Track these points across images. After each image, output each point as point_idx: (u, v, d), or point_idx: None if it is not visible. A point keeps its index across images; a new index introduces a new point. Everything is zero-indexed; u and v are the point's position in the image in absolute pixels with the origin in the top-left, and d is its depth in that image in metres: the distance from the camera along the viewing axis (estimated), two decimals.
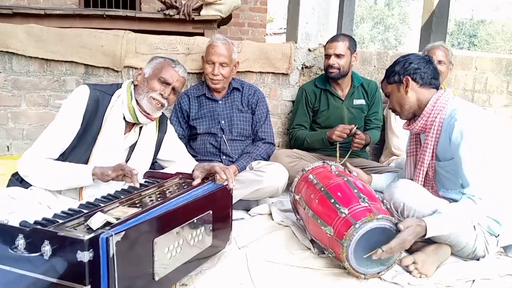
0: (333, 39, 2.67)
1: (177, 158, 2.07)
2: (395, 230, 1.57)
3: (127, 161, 1.84)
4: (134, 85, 1.85)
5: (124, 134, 1.84)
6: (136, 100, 1.79)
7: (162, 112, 1.95)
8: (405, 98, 1.86)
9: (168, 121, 2.07)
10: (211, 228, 1.52)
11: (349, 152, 2.42)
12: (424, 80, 1.84)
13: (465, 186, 1.68)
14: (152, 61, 1.87)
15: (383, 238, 1.54)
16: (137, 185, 1.59)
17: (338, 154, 2.43)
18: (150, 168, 1.96)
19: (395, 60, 1.92)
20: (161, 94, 1.79)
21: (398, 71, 1.86)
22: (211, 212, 1.51)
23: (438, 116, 1.80)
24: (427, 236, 1.61)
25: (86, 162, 1.73)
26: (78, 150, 1.73)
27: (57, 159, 1.71)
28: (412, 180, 1.93)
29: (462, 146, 1.67)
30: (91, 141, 1.75)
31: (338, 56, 2.60)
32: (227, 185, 1.63)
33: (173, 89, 1.83)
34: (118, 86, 1.86)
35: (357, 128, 2.40)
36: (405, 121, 1.97)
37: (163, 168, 2.08)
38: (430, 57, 1.91)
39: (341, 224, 1.58)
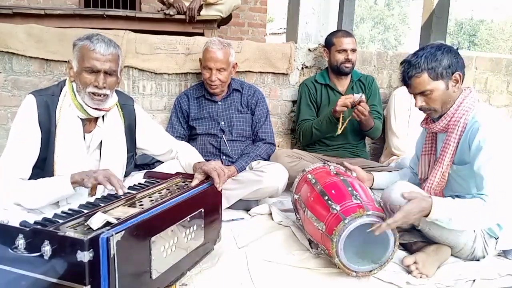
0: (345, 34, 2.72)
1: (162, 144, 2.01)
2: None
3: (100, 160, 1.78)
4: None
5: (89, 133, 1.76)
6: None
7: (124, 97, 1.86)
8: (451, 95, 1.69)
9: (136, 105, 1.94)
10: (202, 225, 1.55)
11: (348, 120, 2.43)
12: (464, 77, 1.71)
13: (478, 189, 1.63)
14: (75, 49, 1.67)
15: (377, 236, 1.54)
16: (121, 192, 1.50)
17: (340, 125, 2.43)
18: (132, 159, 1.92)
19: (432, 53, 1.66)
20: (96, 86, 1.63)
21: (449, 65, 1.65)
22: (202, 210, 1.53)
23: (463, 117, 1.70)
24: (432, 216, 1.55)
25: (52, 172, 1.66)
26: (46, 162, 1.66)
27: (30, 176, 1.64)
28: (427, 179, 1.86)
29: (484, 151, 1.60)
30: (53, 148, 1.66)
31: (353, 50, 2.66)
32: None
33: (106, 72, 1.64)
34: (64, 83, 1.74)
35: (363, 98, 2.38)
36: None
37: (161, 163, 2.07)
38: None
39: (332, 220, 1.59)
